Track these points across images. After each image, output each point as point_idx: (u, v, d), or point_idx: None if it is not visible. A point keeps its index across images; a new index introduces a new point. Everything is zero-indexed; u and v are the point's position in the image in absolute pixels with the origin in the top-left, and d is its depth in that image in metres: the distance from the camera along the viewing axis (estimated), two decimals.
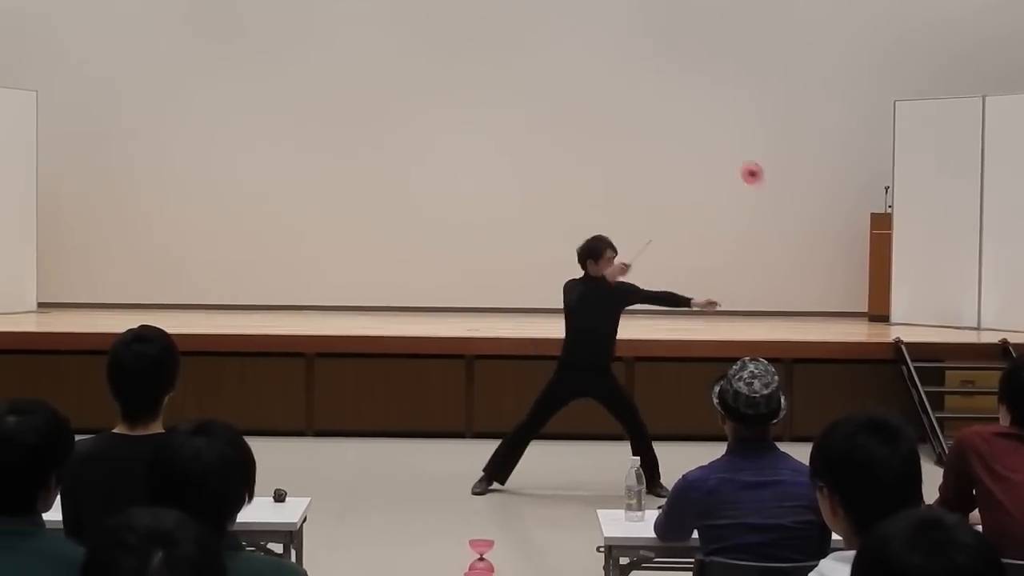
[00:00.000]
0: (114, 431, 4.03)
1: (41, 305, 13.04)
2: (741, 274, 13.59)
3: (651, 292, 9.04)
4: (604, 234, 8.96)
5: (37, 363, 10.85)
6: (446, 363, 11.12)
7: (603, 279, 8.78)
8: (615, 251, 8.87)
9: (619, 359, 10.83)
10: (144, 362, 3.99)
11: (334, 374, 11.10)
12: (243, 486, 2.97)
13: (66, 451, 3.24)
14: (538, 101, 13.74)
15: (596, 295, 8.78)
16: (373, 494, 9.09)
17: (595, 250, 8.86)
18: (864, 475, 2.82)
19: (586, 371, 8.87)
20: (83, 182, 13.75)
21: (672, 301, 9.13)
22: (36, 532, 3.11)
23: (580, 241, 8.97)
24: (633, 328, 11.66)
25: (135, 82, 13.75)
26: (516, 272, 13.44)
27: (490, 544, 6.72)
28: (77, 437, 3.36)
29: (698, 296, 9.20)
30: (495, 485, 9.07)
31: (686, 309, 9.42)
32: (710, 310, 9.20)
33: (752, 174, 9.05)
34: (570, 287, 8.87)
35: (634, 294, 8.99)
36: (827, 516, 2.92)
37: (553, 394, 8.94)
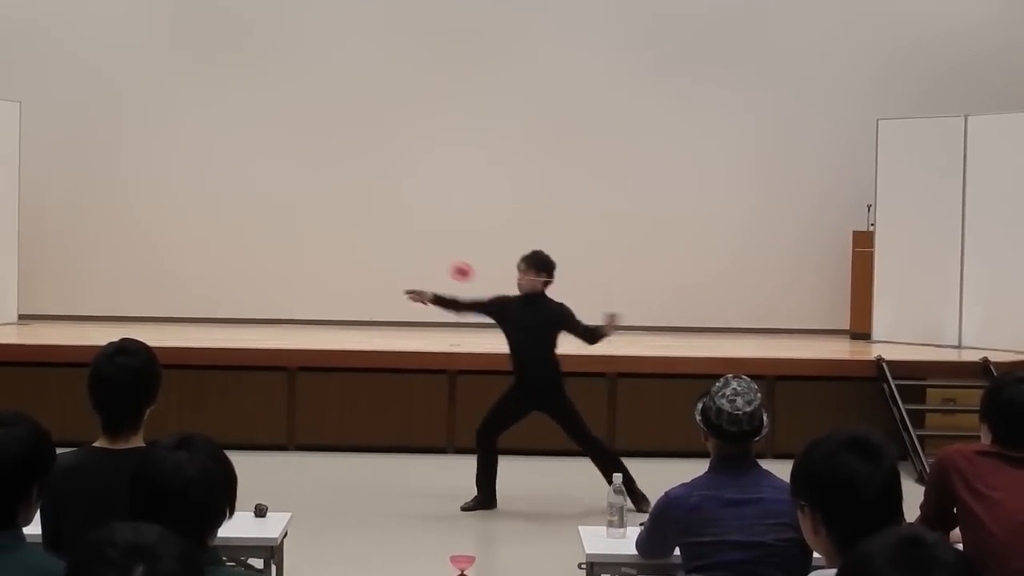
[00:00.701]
0: (95, 444, 4.01)
1: (22, 317, 12.99)
2: (724, 291, 13.63)
3: (585, 327, 8.89)
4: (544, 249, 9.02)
5: (17, 375, 10.78)
6: (429, 378, 11.10)
7: (539, 296, 8.84)
8: (522, 268, 8.93)
9: (602, 375, 10.88)
10: (126, 375, 3.97)
11: (316, 389, 11.07)
12: (224, 501, 2.96)
13: (47, 464, 3.22)
14: (530, 113, 13.76)
15: (529, 314, 8.81)
16: (354, 509, 9.07)
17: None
18: (847, 492, 2.82)
19: (536, 389, 8.89)
20: (66, 193, 13.72)
21: (599, 335, 8.93)
22: (16, 546, 3.10)
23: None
24: (616, 344, 11.66)
25: (120, 93, 13.72)
26: (505, 286, 13.42)
27: (471, 560, 6.70)
28: (58, 450, 3.34)
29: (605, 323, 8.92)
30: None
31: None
32: (616, 323, 9.00)
33: (462, 272, 9.00)
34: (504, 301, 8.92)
35: (571, 326, 8.88)
36: (808, 535, 2.92)
37: (508, 406, 8.97)
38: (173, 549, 2.07)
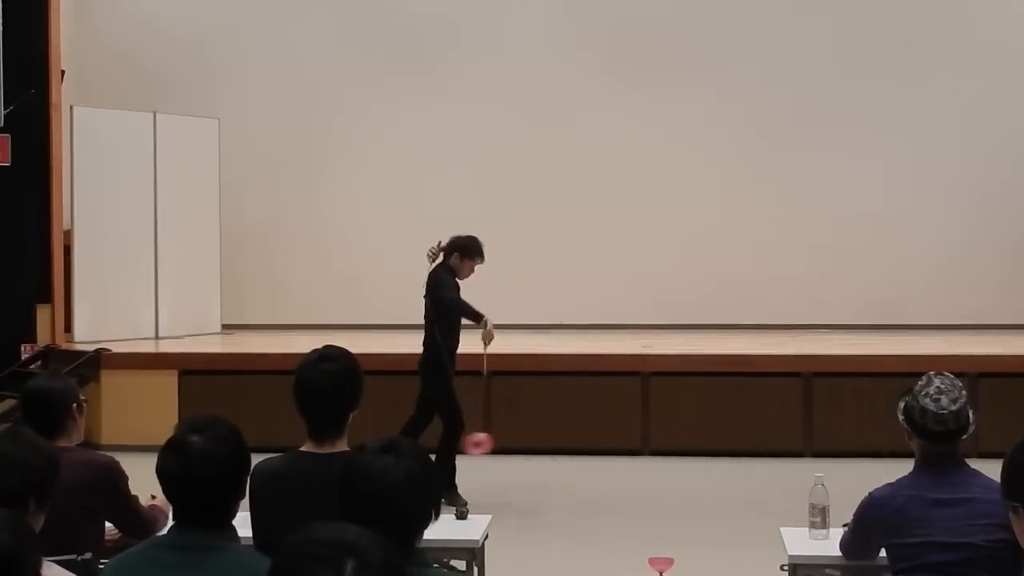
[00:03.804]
0: (301, 449, 4.12)
1: (225, 326, 13.38)
2: (929, 288, 13.29)
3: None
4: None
5: (223, 383, 11.12)
6: (621, 380, 11.08)
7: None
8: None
9: (797, 375, 10.73)
10: (330, 381, 4.08)
11: (510, 392, 11.13)
12: (429, 504, 3.01)
13: (247, 462, 3.33)
14: (712, 116, 13.65)
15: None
16: (551, 511, 9.11)
17: (474, 249, 9.18)
18: None
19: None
20: (263, 207, 14.10)
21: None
22: (227, 546, 3.20)
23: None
24: (810, 343, 11.50)
25: (315, 109, 14.06)
26: (689, 288, 13.38)
27: (670, 562, 6.67)
28: (263, 456, 3.43)
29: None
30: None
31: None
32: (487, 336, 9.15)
33: (477, 445, 8.85)
34: (446, 282, 9.18)
35: None
36: (1023, 537, 2.83)
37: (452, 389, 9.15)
38: (375, 543, 2.13)
